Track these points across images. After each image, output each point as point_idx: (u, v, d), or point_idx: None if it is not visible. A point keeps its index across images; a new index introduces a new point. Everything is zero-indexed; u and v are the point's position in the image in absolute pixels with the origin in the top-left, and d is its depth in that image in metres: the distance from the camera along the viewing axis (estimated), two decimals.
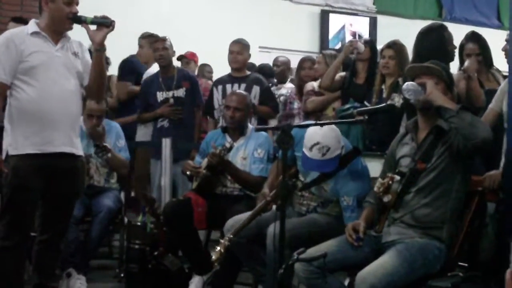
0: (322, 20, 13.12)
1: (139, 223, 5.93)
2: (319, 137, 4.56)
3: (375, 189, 4.11)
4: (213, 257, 4.72)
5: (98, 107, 6.07)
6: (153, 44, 7.50)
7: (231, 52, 7.11)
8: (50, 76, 4.39)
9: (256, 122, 6.86)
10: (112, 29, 4.43)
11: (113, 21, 4.44)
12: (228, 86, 7.01)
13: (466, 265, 4.27)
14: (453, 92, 4.24)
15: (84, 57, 4.61)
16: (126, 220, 6.27)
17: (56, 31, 4.47)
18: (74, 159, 4.57)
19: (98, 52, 4.50)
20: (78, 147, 4.61)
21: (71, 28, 4.51)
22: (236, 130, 5.78)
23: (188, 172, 5.74)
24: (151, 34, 8.05)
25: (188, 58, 9.20)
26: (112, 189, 6.27)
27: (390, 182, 4.04)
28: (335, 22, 13.18)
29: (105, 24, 4.42)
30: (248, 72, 7.24)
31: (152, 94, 7.29)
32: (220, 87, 7.11)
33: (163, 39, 7.40)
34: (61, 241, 4.70)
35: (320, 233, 4.55)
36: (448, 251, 3.97)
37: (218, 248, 4.74)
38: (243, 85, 6.94)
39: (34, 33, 4.42)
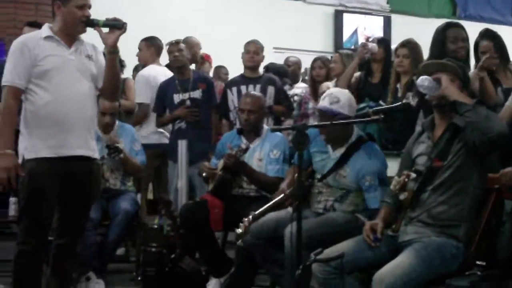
0: (336, 20, 13.11)
1: (155, 226, 5.93)
2: (334, 90, 5.00)
3: (391, 187, 4.12)
4: (238, 237, 4.97)
5: (111, 105, 6.12)
6: (168, 47, 7.51)
7: (247, 51, 7.13)
8: (64, 80, 4.39)
9: (272, 122, 6.87)
10: (124, 31, 4.44)
11: (125, 23, 4.45)
12: (243, 87, 7.02)
13: (483, 263, 4.23)
14: (468, 89, 4.22)
15: (98, 60, 4.61)
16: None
17: (69, 34, 4.48)
18: (90, 162, 4.56)
19: (112, 54, 4.51)
20: (94, 150, 4.61)
21: (84, 31, 4.52)
22: (252, 131, 5.78)
23: (204, 174, 5.74)
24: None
25: (203, 59, 9.19)
26: (129, 192, 6.28)
27: (406, 179, 4.04)
28: (349, 22, 13.16)
29: (117, 26, 4.44)
30: (261, 73, 7.25)
31: (169, 97, 7.31)
32: (234, 88, 7.11)
33: (177, 42, 7.42)
34: (78, 245, 4.68)
35: (337, 233, 4.54)
36: (465, 249, 3.95)
37: (240, 229, 4.95)
38: (258, 86, 6.95)
39: (48, 37, 4.43)
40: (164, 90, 7.41)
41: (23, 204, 4.42)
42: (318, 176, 5.00)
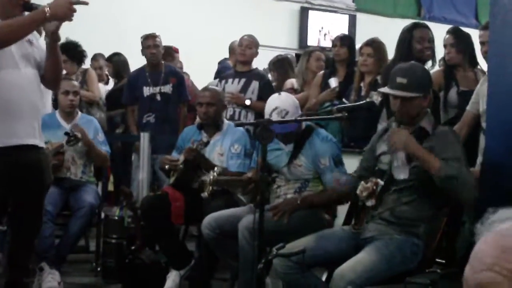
0: (301, 17, 13.14)
1: (116, 217, 5.91)
2: (278, 102, 4.79)
3: (358, 192, 4.08)
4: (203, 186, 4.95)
5: (72, 83, 6.08)
6: (144, 41, 7.47)
7: (240, 45, 7.11)
8: (9, 66, 4.12)
9: (252, 117, 6.82)
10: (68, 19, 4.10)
11: None
12: (230, 81, 7.02)
13: (443, 261, 4.29)
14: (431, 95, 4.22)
15: (39, 45, 4.34)
16: (103, 214, 6.23)
17: (8, 18, 4.10)
18: (38, 151, 4.30)
19: (53, 42, 4.21)
20: (41, 139, 4.36)
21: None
22: (212, 126, 5.76)
23: (166, 167, 5.72)
24: None
25: (174, 51, 9.15)
26: (90, 183, 6.23)
27: (375, 187, 4.01)
28: (315, 19, 13.19)
29: None
30: (253, 67, 7.21)
31: (139, 88, 7.31)
32: (223, 81, 7.13)
33: (154, 36, 7.41)
34: (34, 237, 4.52)
35: (295, 227, 4.57)
36: (425, 247, 3.98)
37: (208, 181, 4.92)
38: (243, 80, 6.93)
39: None
40: (134, 81, 7.40)
41: None
42: (275, 174, 5.01)
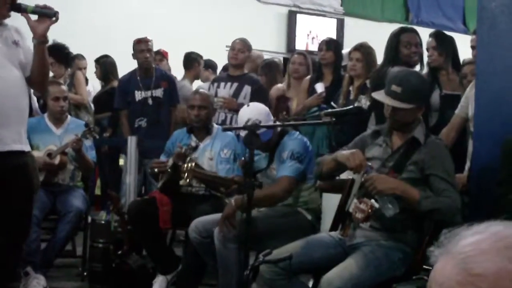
0: (289, 20, 13.15)
1: (103, 222, 5.89)
2: (249, 114, 4.84)
3: (351, 211, 4.02)
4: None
5: (61, 88, 6.06)
6: (136, 45, 7.45)
7: (232, 48, 7.07)
8: None
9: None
10: (56, 21, 4.06)
11: (57, 12, 4.06)
12: (222, 84, 6.99)
13: (431, 268, 4.28)
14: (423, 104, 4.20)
15: (25, 46, 4.23)
16: (89, 218, 6.20)
17: None
18: (24, 156, 4.24)
19: (41, 44, 4.12)
20: (26, 143, 4.30)
21: (8, 16, 4.14)
22: (202, 129, 5.75)
23: (156, 170, 5.69)
24: None
25: (163, 55, 9.15)
26: (77, 188, 6.20)
27: (370, 210, 3.92)
28: (302, 23, 13.20)
29: (48, 14, 4.06)
30: (246, 71, 7.18)
31: (130, 92, 7.31)
32: (215, 84, 7.09)
33: (146, 40, 7.41)
34: (23, 241, 4.48)
35: (277, 227, 4.64)
36: (413, 254, 3.98)
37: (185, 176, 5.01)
38: (235, 84, 6.90)
39: None
40: (126, 85, 7.40)
41: None
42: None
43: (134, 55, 7.44)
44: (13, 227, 4.31)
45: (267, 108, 5.04)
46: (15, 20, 4.22)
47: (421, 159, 3.96)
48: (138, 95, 7.31)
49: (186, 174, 5.01)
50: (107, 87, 8.71)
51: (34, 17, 4.10)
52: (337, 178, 4.61)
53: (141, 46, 7.36)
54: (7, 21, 4.21)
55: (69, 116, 6.37)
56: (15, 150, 4.12)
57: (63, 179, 6.09)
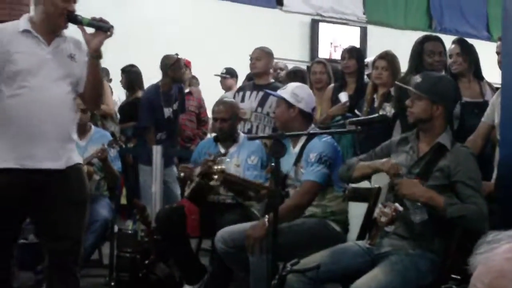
0: (312, 29, 13.15)
1: (129, 231, 5.91)
2: (296, 89, 5.09)
3: (376, 216, 4.01)
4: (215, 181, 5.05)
5: (77, 101, 6.14)
6: (176, 62, 7.57)
7: (250, 58, 7.08)
8: (37, 82, 3.92)
9: (271, 131, 6.78)
10: (110, 35, 3.99)
11: (112, 27, 3.99)
12: (247, 93, 6.99)
13: (459, 277, 4.27)
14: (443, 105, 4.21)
15: (81, 61, 4.10)
16: (116, 228, 6.23)
17: (50, 29, 4.00)
18: (61, 172, 4.03)
19: (94, 59, 4.04)
20: (68, 159, 4.08)
21: (65, 27, 4.05)
22: (228, 138, 5.77)
23: (182, 174, 5.70)
24: None
25: (186, 65, 9.19)
26: (103, 196, 6.24)
27: (394, 213, 3.91)
28: (325, 31, 13.20)
29: (102, 28, 3.97)
30: (272, 80, 7.15)
31: (158, 108, 7.41)
32: (241, 93, 7.09)
33: (180, 58, 7.64)
34: (75, 264, 4.23)
35: (307, 240, 4.60)
36: (441, 263, 3.96)
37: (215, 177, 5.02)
38: (260, 93, 6.90)
39: (25, 31, 3.96)
40: (152, 102, 7.47)
41: None
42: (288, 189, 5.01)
43: (169, 71, 7.52)
44: (60, 246, 4.12)
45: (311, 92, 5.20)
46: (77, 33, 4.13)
47: (447, 166, 3.95)
48: (167, 112, 7.41)
49: (217, 176, 5.01)
50: (132, 97, 8.75)
51: (90, 30, 4.03)
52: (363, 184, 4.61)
53: (180, 64, 7.46)
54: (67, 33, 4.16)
55: (93, 127, 6.40)
56: (44, 168, 3.97)
57: (89, 189, 6.08)
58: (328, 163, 4.79)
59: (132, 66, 8.92)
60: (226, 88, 9.42)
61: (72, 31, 4.11)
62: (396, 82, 4.45)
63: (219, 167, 5.03)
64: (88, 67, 4.08)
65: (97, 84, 4.16)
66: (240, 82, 8.68)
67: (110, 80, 8.91)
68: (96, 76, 4.12)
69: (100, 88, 4.27)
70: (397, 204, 3.91)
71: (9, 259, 4.15)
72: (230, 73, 9.46)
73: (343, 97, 6.54)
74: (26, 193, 3.95)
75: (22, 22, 4.00)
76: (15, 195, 3.93)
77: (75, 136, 4.20)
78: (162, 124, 7.51)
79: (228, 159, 5.56)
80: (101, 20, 4.02)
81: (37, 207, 4.05)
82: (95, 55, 4.03)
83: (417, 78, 4.15)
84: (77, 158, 4.21)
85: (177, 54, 7.79)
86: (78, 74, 4.09)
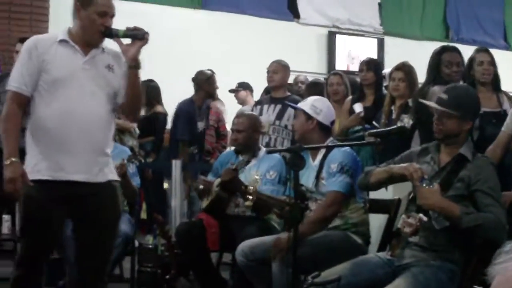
0: (329, 41, 13.15)
1: (150, 246, 5.92)
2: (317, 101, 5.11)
3: (400, 226, 3.99)
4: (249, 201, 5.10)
5: None
6: (210, 77, 7.78)
7: (267, 72, 7.11)
8: (72, 92, 3.90)
9: (289, 143, 6.81)
10: (146, 42, 3.97)
11: (146, 33, 3.97)
12: (265, 107, 7.01)
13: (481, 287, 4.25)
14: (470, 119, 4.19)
15: (120, 71, 4.07)
16: (136, 242, 6.24)
17: (87, 42, 3.99)
18: (96, 185, 4.01)
19: (133, 69, 4.00)
20: (101, 173, 4.05)
21: (101, 42, 4.03)
22: (248, 151, 5.77)
23: (200, 186, 5.70)
24: None
25: None
26: (124, 212, 6.23)
27: (418, 223, 3.89)
28: (342, 43, 13.20)
29: (137, 36, 3.95)
30: (288, 93, 7.18)
31: (194, 122, 7.51)
32: (258, 107, 7.12)
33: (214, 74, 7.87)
34: (102, 281, 4.21)
35: (330, 253, 4.56)
36: (462, 273, 3.95)
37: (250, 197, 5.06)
38: (278, 106, 6.91)
39: (62, 41, 3.96)
40: (190, 116, 7.57)
41: (20, 228, 4.07)
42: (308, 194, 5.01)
43: (205, 86, 7.68)
44: (95, 251, 4.11)
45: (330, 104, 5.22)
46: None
47: (468, 176, 3.95)
48: (200, 125, 7.52)
49: (251, 196, 5.03)
50: (150, 112, 8.77)
51: (125, 40, 4.01)
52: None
53: (214, 79, 7.57)
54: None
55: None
56: (75, 180, 3.94)
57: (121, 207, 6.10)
58: (350, 172, 4.79)
59: (150, 81, 8.94)
60: (241, 101, 9.47)
61: (109, 41, 4.09)
62: (420, 100, 4.41)
63: (254, 186, 5.04)
64: (127, 78, 4.04)
65: (136, 96, 4.12)
66: (258, 95, 8.70)
67: None
68: (135, 87, 4.08)
69: (139, 99, 4.22)
70: (421, 215, 3.89)
71: (41, 274, 4.09)
72: (242, 86, 9.51)
73: (358, 107, 6.55)
74: (61, 205, 3.93)
75: (61, 33, 4.00)
76: (51, 206, 3.90)
77: (109, 150, 4.14)
78: (196, 138, 7.60)
79: (256, 177, 5.55)
80: (135, 28, 3.99)
81: (71, 221, 4.06)
82: (134, 64, 3.99)
83: (442, 95, 4.10)
84: (112, 175, 4.16)
85: (211, 70, 7.91)
86: (116, 85, 4.06)
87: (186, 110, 7.83)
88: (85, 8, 3.92)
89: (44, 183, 3.90)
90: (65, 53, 3.94)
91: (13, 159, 3.83)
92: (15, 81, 3.94)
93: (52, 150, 3.91)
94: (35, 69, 3.89)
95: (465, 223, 3.78)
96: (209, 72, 7.90)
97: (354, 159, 4.91)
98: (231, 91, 9.53)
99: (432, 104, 4.11)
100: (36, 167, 3.92)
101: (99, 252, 4.11)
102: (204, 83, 7.83)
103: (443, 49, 5.77)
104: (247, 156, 5.64)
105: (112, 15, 3.99)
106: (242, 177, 5.51)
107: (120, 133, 7.93)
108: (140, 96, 4.23)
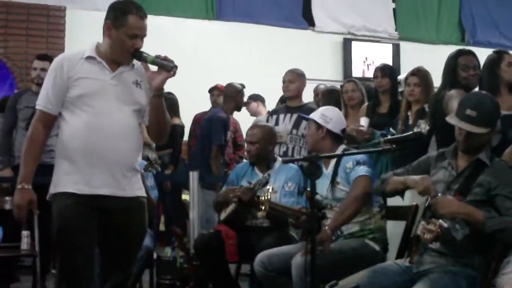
0: (344, 48, 13.13)
1: (168, 258, 5.92)
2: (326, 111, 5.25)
3: (419, 233, 3.93)
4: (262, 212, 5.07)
5: None
6: (241, 91, 8.05)
7: (283, 81, 7.11)
8: (97, 107, 3.87)
9: (306, 152, 6.80)
10: (173, 75, 3.93)
11: (176, 66, 3.93)
12: (281, 116, 7.00)
13: None
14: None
15: (148, 88, 4.04)
16: (155, 255, 6.23)
17: (114, 60, 3.97)
18: (124, 200, 3.96)
19: (157, 97, 3.98)
20: (129, 188, 4.00)
21: (129, 63, 4.01)
22: (262, 163, 5.77)
23: (231, 195, 5.64)
24: None
25: (220, 90, 9.23)
26: None
27: (439, 230, 3.82)
28: (358, 50, 13.18)
29: (166, 67, 3.91)
30: (304, 102, 7.19)
31: (227, 131, 7.59)
32: (274, 116, 7.10)
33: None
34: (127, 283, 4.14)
35: (348, 261, 4.57)
36: (481, 279, 3.92)
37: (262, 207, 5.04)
38: (294, 116, 6.90)
39: (89, 58, 3.95)
40: (226, 124, 7.71)
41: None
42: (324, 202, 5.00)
43: (238, 97, 8.04)
44: (116, 271, 4.06)
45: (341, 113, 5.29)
46: None
47: (487, 181, 3.92)
48: (228, 135, 7.63)
49: (263, 206, 5.02)
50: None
51: (153, 67, 3.98)
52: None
53: (244, 93, 7.73)
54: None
55: None
56: (101, 194, 3.89)
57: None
58: (367, 164, 4.88)
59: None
60: (253, 112, 9.49)
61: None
62: (449, 121, 4.32)
63: (266, 195, 5.04)
64: (151, 105, 4.03)
65: (161, 121, 4.09)
66: (273, 104, 8.69)
67: None
68: (160, 114, 4.05)
69: (164, 125, 4.14)
70: (441, 221, 3.84)
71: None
72: (252, 98, 9.53)
73: (363, 121, 6.53)
74: (92, 215, 3.87)
75: (88, 49, 4.00)
76: (81, 215, 3.85)
77: (137, 165, 4.10)
78: (224, 147, 7.70)
79: (268, 187, 5.40)
80: (165, 58, 3.95)
81: (99, 235, 3.96)
82: (157, 93, 3.97)
83: (470, 111, 4.00)
84: (140, 191, 4.10)
85: (242, 85, 8.02)
86: (143, 102, 4.04)
87: (221, 117, 7.93)
88: (116, 28, 3.90)
89: (74, 196, 3.86)
90: (93, 69, 3.93)
91: (25, 185, 3.88)
92: (41, 100, 3.97)
93: (80, 164, 3.88)
94: (61, 87, 3.90)
95: (488, 227, 3.76)
96: (239, 85, 8.12)
97: (367, 157, 4.98)
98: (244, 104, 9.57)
99: (463, 125, 4.03)
100: (63, 181, 3.90)
101: (122, 267, 4.07)
102: (237, 95, 8.08)
103: (459, 53, 5.72)
104: (265, 178, 5.59)
105: (143, 37, 3.96)
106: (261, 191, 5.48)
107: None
108: (166, 121, 4.14)
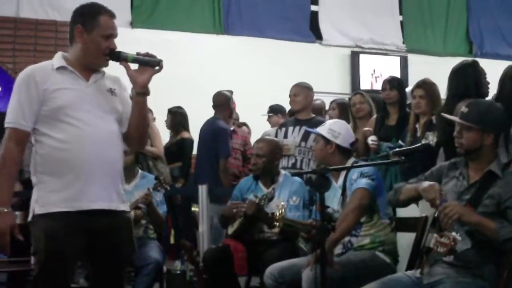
0: (352, 61, 13.15)
1: (178, 272, 5.92)
2: (334, 125, 5.19)
3: (432, 246, 3.91)
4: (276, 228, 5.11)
5: None
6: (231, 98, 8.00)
7: (289, 95, 7.14)
8: (80, 117, 3.68)
9: (315, 165, 6.81)
10: (159, 70, 3.75)
11: (161, 60, 3.74)
12: (290, 129, 7.00)
13: None
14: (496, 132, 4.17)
15: (122, 95, 3.89)
16: (165, 268, 6.24)
17: (87, 66, 3.79)
18: (115, 215, 3.79)
19: (141, 96, 3.79)
20: (121, 201, 3.85)
21: (106, 66, 3.83)
22: (267, 177, 5.78)
23: (234, 210, 5.62)
24: None
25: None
26: (152, 239, 6.22)
27: (453, 243, 3.80)
28: (366, 62, 13.20)
29: (150, 63, 3.74)
30: (313, 115, 7.18)
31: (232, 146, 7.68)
32: (283, 129, 7.11)
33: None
34: None
35: (358, 273, 4.56)
36: None
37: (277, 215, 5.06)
38: (303, 128, 6.92)
39: (60, 68, 3.74)
40: (230, 134, 7.91)
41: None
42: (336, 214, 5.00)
43: (228, 106, 8.09)
44: None
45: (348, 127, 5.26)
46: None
47: (498, 193, 3.92)
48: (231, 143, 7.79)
49: (278, 223, 5.03)
50: (177, 138, 8.83)
51: (133, 66, 3.79)
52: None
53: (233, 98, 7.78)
54: (107, 70, 3.91)
55: (139, 171, 6.42)
56: (101, 209, 3.72)
57: (137, 233, 6.05)
58: (371, 177, 4.82)
59: (179, 107, 9.03)
60: (274, 125, 9.49)
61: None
62: (442, 114, 4.39)
63: (280, 212, 5.06)
64: (133, 105, 3.85)
65: (141, 123, 3.91)
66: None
67: (154, 119, 8.96)
68: (142, 115, 3.88)
69: (144, 127, 3.98)
70: (454, 233, 3.82)
71: None
72: (274, 111, 9.51)
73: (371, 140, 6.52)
74: (81, 236, 3.67)
75: (56, 60, 3.80)
76: (70, 238, 3.63)
77: (123, 176, 3.94)
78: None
79: (282, 202, 5.44)
80: (147, 54, 3.79)
81: (89, 252, 3.81)
82: (142, 91, 3.79)
83: (464, 108, 4.10)
84: (124, 206, 3.91)
85: (230, 91, 8.04)
86: (120, 109, 3.86)
87: (225, 128, 7.94)
88: (88, 32, 3.73)
89: (64, 215, 3.64)
90: (66, 80, 3.73)
91: (5, 210, 3.61)
92: (13, 117, 3.70)
93: (67, 180, 3.66)
94: (35, 100, 3.67)
95: (501, 236, 3.76)
96: (228, 92, 8.16)
97: (373, 169, 4.94)
98: (264, 115, 9.59)
99: (452, 117, 4.11)
100: (50, 200, 3.67)
101: (115, 285, 3.93)
102: (229, 102, 8.13)
103: (475, 62, 5.69)
104: (271, 193, 5.62)
105: (115, 36, 3.80)
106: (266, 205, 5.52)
107: (154, 160, 7.97)
108: (146, 124, 4.01)
